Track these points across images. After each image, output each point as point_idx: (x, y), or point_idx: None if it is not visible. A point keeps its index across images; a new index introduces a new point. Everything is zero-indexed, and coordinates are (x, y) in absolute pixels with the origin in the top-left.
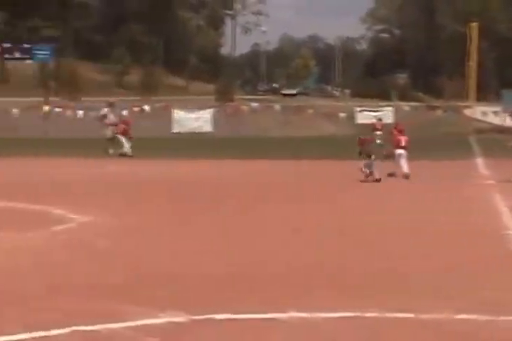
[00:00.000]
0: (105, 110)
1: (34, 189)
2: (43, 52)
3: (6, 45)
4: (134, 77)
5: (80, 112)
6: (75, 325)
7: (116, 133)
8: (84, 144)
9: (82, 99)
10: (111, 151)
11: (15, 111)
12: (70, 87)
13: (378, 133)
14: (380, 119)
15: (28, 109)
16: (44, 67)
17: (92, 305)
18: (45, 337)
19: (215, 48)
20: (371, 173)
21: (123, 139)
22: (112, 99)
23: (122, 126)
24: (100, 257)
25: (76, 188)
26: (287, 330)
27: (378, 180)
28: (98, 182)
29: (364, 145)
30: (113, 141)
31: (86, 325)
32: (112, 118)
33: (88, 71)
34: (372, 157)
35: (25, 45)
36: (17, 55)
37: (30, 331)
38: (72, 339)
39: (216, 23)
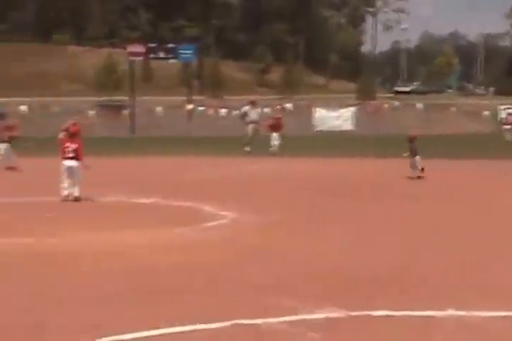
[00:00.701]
0: (246, 108)
1: (184, 187)
2: (186, 52)
3: (151, 45)
4: (275, 75)
5: (223, 111)
6: (236, 318)
7: (257, 131)
8: (226, 142)
9: (225, 97)
10: (247, 149)
11: (159, 109)
12: (212, 86)
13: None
14: (510, 114)
15: (172, 108)
16: (187, 67)
17: (251, 300)
18: (206, 329)
19: (356, 46)
20: (422, 170)
21: (274, 136)
22: (253, 98)
23: (271, 122)
24: (252, 253)
25: (224, 186)
26: (447, 328)
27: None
28: (245, 179)
29: (413, 143)
30: (252, 139)
31: (246, 318)
32: (252, 116)
33: (230, 70)
34: (417, 157)
35: (170, 45)
36: (161, 54)
37: (193, 323)
38: (232, 332)
39: (357, 21)
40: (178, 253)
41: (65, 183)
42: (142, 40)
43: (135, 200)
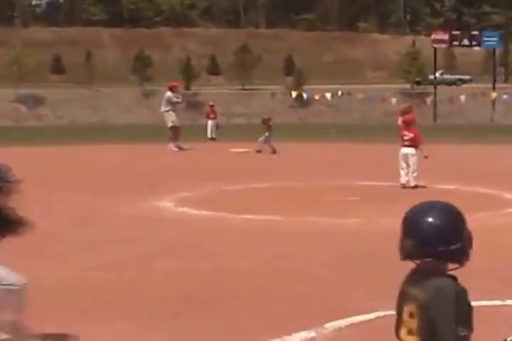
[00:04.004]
0: None
1: (485, 175)
2: (491, 39)
3: (454, 32)
4: None
5: None
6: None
7: None
8: None
9: None
10: None
11: (462, 97)
12: None
13: None
14: None
15: (473, 96)
16: (491, 54)
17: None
18: None
19: None
20: None
21: None
22: None
23: None
24: None
25: None
26: None
27: None
28: None
29: None
30: None
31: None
32: None
33: None
34: None
35: (474, 32)
36: (465, 41)
37: None
38: None
39: None
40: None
41: (403, 170)
42: (445, 26)
43: (437, 186)
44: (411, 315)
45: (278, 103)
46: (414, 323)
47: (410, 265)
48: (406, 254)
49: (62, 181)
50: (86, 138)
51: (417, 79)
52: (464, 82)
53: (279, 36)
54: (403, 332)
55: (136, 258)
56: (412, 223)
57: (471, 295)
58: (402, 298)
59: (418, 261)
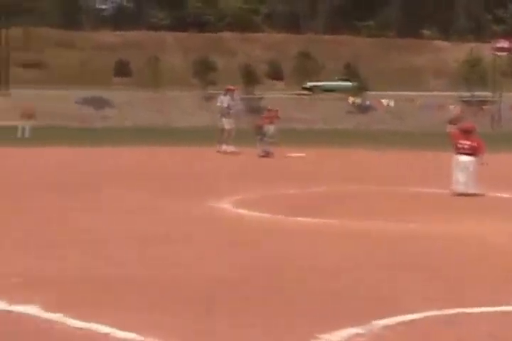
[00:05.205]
0: None
1: None
2: None
3: None
4: None
5: None
6: None
7: None
8: None
9: None
10: None
11: None
12: None
13: None
14: None
15: None
16: None
17: None
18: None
19: None
20: None
21: None
22: None
23: None
24: None
25: None
26: None
27: None
28: None
29: None
30: None
31: None
32: None
33: None
34: None
35: None
36: None
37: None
38: None
39: None
40: None
41: (457, 178)
42: (509, 33)
43: (494, 194)
44: None
45: (337, 109)
46: None
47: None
48: None
49: (126, 180)
50: (149, 140)
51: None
52: None
53: (341, 42)
54: None
55: (192, 256)
56: None
57: None
58: None
59: None
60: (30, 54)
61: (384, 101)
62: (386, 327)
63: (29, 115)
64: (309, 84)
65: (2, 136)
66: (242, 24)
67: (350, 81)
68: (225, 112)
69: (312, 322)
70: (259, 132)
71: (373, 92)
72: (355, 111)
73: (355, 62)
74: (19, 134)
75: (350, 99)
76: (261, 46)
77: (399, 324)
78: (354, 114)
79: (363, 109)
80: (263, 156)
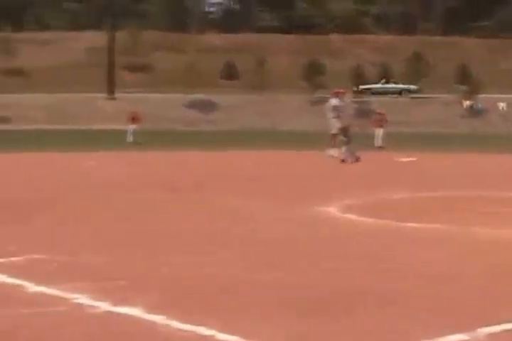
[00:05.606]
0: None
1: None
2: None
3: None
4: None
5: None
6: None
7: None
8: None
9: None
10: None
11: None
12: None
13: None
14: None
15: None
16: None
17: None
18: None
19: None
20: None
21: None
22: None
23: None
24: None
25: None
26: None
27: None
28: None
29: None
30: None
31: None
32: None
33: None
34: None
35: None
36: None
37: None
38: None
39: None
40: None
41: None
42: None
43: None
44: None
45: (449, 112)
46: None
47: None
48: None
49: (232, 185)
50: (255, 142)
51: None
52: None
53: (453, 43)
54: None
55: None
56: None
57: None
58: None
59: None
60: (136, 57)
61: (499, 105)
62: (492, 335)
63: (135, 119)
64: (361, 87)
65: (112, 141)
66: (351, 26)
67: (397, 83)
68: (335, 116)
69: (415, 328)
70: (345, 134)
71: (487, 95)
72: (466, 114)
73: (467, 64)
74: (128, 138)
75: (465, 103)
76: (370, 48)
77: (506, 331)
78: (465, 117)
79: (475, 112)
80: (343, 161)
